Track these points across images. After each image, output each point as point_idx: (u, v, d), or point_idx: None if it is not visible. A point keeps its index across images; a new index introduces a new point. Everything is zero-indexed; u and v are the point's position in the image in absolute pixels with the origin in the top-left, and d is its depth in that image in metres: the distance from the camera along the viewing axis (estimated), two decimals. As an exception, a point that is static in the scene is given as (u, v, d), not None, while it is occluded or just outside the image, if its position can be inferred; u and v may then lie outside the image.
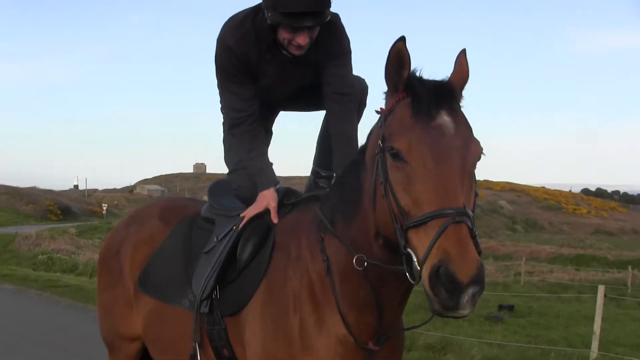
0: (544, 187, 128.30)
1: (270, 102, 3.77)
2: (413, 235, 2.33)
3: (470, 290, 2.15)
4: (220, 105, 3.75)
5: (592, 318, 11.28)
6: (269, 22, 3.22)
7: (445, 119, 2.44)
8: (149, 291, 3.72)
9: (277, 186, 3.56)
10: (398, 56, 2.52)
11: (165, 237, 3.82)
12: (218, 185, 3.94)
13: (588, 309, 16.39)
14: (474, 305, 2.20)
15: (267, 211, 3.42)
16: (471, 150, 2.45)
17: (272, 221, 3.38)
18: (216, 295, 3.33)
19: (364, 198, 2.77)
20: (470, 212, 2.30)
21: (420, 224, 2.30)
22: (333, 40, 3.45)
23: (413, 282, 2.42)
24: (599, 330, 10.62)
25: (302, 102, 3.84)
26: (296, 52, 3.31)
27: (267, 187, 3.45)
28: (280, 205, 3.45)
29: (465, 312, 2.20)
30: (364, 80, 3.75)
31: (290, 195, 3.51)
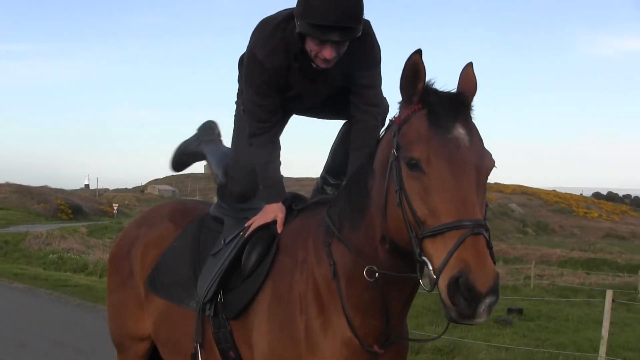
0: (554, 191, 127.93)
1: (296, 111, 3.74)
2: (429, 244, 2.38)
3: (487, 300, 2.22)
4: (236, 100, 3.76)
5: (602, 322, 11.24)
6: (297, 30, 3.17)
7: (460, 131, 2.48)
8: (158, 291, 3.76)
9: (287, 192, 3.59)
10: (414, 68, 2.56)
11: (175, 238, 3.85)
12: (226, 185, 3.93)
13: (598, 313, 16.32)
14: (489, 314, 2.26)
15: (273, 221, 3.44)
16: (485, 163, 2.50)
17: (277, 230, 3.40)
18: (220, 299, 3.37)
19: (371, 204, 2.81)
20: (486, 224, 2.36)
21: (437, 233, 2.34)
22: (365, 50, 3.38)
23: (426, 290, 2.47)
24: (606, 335, 10.57)
25: (326, 111, 3.80)
26: (322, 65, 3.24)
27: (276, 200, 3.46)
28: (288, 211, 3.47)
29: (480, 320, 2.26)
30: (386, 99, 3.70)
31: (297, 202, 3.54)
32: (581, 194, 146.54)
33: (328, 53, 3.15)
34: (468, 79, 2.68)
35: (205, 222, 3.83)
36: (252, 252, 3.34)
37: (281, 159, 3.52)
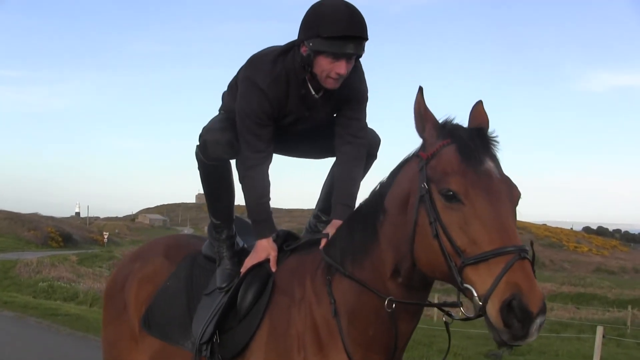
0: (545, 225, 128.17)
1: (285, 139, 3.73)
2: (471, 272, 2.45)
3: (538, 320, 2.31)
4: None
5: (592, 358, 11.29)
6: (309, 52, 3.25)
7: (490, 164, 2.61)
8: (152, 331, 3.75)
9: (278, 230, 3.62)
10: (419, 106, 2.77)
11: (169, 276, 3.86)
12: None
13: (588, 348, 16.34)
14: (539, 332, 2.36)
15: (267, 259, 3.47)
16: (514, 193, 2.63)
17: (271, 269, 3.43)
18: (216, 340, 3.37)
19: (380, 240, 2.90)
20: (527, 249, 2.47)
21: (481, 260, 2.43)
22: (355, 83, 3.50)
23: (468, 316, 2.55)
24: (597, 370, 10.63)
25: (314, 146, 3.86)
26: (332, 85, 3.32)
27: (267, 235, 3.49)
28: (279, 250, 3.51)
29: (532, 339, 2.36)
30: (376, 134, 3.81)
31: (290, 240, 3.57)
32: (571, 228, 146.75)
33: (342, 68, 3.24)
34: (480, 115, 2.85)
35: (198, 260, 3.85)
36: (248, 291, 3.35)
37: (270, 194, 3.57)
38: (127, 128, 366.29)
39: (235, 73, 3.68)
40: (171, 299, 3.74)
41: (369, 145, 3.72)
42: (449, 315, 2.90)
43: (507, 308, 2.32)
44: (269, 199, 3.54)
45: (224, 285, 3.54)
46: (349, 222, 3.20)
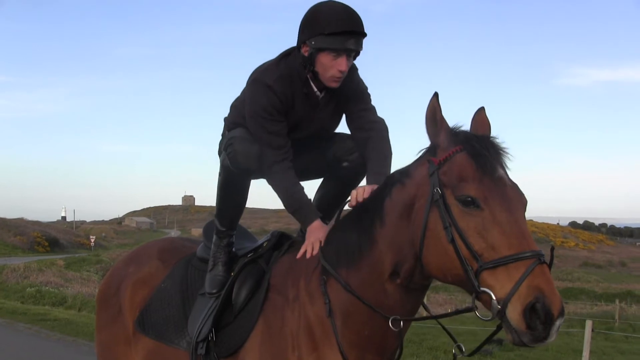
0: (531, 220, 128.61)
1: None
2: (489, 276, 2.50)
3: (558, 322, 2.39)
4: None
5: (581, 352, 11.38)
6: (311, 50, 3.36)
7: (502, 172, 2.69)
8: (147, 332, 3.76)
9: (272, 230, 3.68)
10: (432, 111, 2.78)
11: (163, 278, 3.88)
12: (213, 225, 3.96)
13: (577, 342, 16.45)
14: (557, 333, 2.44)
15: (260, 255, 3.52)
16: (523, 200, 2.71)
17: (266, 265, 3.47)
18: (212, 338, 3.39)
19: (378, 242, 2.92)
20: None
21: (499, 265, 2.49)
22: (353, 81, 3.59)
23: (485, 320, 2.61)
24: (587, 364, 10.71)
25: (312, 162, 3.81)
26: (334, 84, 3.42)
27: (312, 219, 3.47)
28: (274, 248, 3.56)
29: (552, 340, 2.43)
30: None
31: (284, 240, 3.62)
32: (558, 224, 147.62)
33: (343, 64, 3.35)
34: (483, 122, 2.90)
35: (192, 262, 3.87)
36: (242, 288, 3.40)
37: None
38: (112, 131, 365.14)
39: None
40: (166, 300, 3.77)
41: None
42: (460, 349, 2.99)
43: (531, 311, 2.38)
44: (301, 187, 3.56)
45: (214, 291, 3.57)
46: (344, 223, 3.22)
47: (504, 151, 2.76)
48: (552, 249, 2.75)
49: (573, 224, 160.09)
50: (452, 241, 2.60)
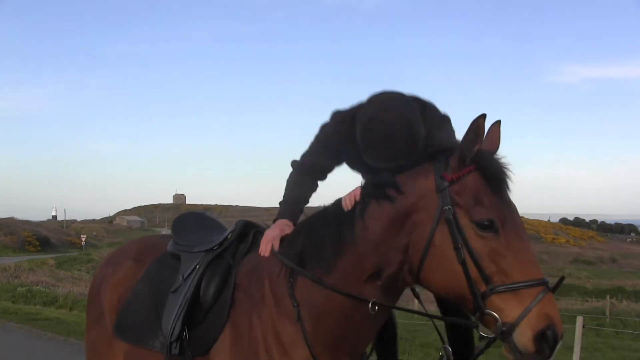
0: (523, 217, 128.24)
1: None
2: (497, 300, 2.59)
3: (559, 344, 2.56)
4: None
5: (572, 348, 11.40)
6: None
7: (510, 196, 2.73)
8: (124, 336, 3.75)
9: (238, 220, 3.64)
10: (476, 132, 2.68)
11: (139, 279, 3.85)
12: (182, 219, 3.98)
13: (567, 338, 16.46)
14: None
15: (226, 249, 3.49)
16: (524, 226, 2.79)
17: (232, 260, 3.44)
18: (185, 336, 3.37)
19: (359, 243, 2.90)
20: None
21: (510, 290, 2.57)
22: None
23: (485, 336, 2.76)
24: (578, 360, 10.74)
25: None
26: None
27: (282, 217, 3.43)
28: (239, 241, 3.53)
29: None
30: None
31: (249, 230, 3.59)
32: (549, 220, 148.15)
33: None
34: (496, 138, 2.87)
35: (165, 259, 3.82)
36: (210, 284, 3.37)
37: (314, 192, 3.56)
38: (103, 130, 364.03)
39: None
40: (140, 301, 3.75)
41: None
42: (447, 352, 3.22)
43: (542, 337, 2.50)
44: (304, 188, 3.53)
45: None
46: (312, 223, 3.18)
47: (510, 171, 2.75)
48: (562, 278, 2.89)
49: (564, 221, 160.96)
50: (463, 262, 2.63)
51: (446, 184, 2.72)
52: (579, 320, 11.19)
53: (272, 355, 3.05)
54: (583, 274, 62.05)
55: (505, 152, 2.78)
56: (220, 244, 3.55)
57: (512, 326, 2.53)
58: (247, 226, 3.62)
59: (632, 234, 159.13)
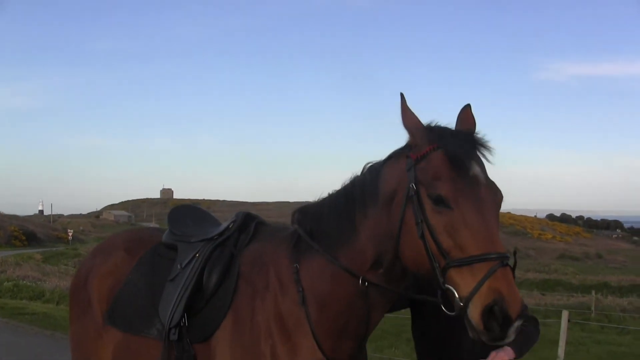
0: (509, 213, 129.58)
1: None
2: (455, 274, 2.56)
3: (516, 324, 2.46)
4: None
5: (557, 342, 11.49)
6: None
7: (477, 169, 2.69)
8: (116, 324, 3.75)
9: (238, 211, 3.67)
10: (403, 116, 2.84)
11: (131, 270, 3.86)
12: (177, 211, 4.01)
13: (553, 333, 16.56)
14: (517, 334, 2.51)
15: (228, 238, 3.51)
16: (498, 198, 2.74)
17: (235, 249, 3.46)
18: (184, 323, 3.39)
19: (360, 232, 2.95)
20: (509, 256, 2.58)
21: (464, 264, 2.54)
22: None
23: (450, 314, 2.61)
24: (563, 355, 10.83)
25: None
26: None
27: None
28: (240, 231, 3.55)
29: (510, 340, 2.51)
30: None
31: (249, 222, 3.61)
32: (535, 216, 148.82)
33: None
34: (468, 119, 2.91)
35: (159, 250, 3.85)
36: (212, 272, 3.40)
37: None
38: (89, 124, 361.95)
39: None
40: (134, 291, 3.75)
41: None
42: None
43: (489, 313, 2.44)
44: None
45: None
46: (327, 207, 3.19)
47: (483, 146, 2.76)
48: (515, 252, 2.80)
49: (550, 217, 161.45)
50: (422, 237, 2.65)
51: (412, 162, 2.76)
52: (565, 314, 11.28)
53: (275, 341, 3.08)
54: (569, 269, 62.26)
55: (494, 148, 2.76)
56: (221, 233, 3.58)
57: (466, 301, 2.49)
58: (248, 217, 3.65)
59: (618, 230, 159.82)
